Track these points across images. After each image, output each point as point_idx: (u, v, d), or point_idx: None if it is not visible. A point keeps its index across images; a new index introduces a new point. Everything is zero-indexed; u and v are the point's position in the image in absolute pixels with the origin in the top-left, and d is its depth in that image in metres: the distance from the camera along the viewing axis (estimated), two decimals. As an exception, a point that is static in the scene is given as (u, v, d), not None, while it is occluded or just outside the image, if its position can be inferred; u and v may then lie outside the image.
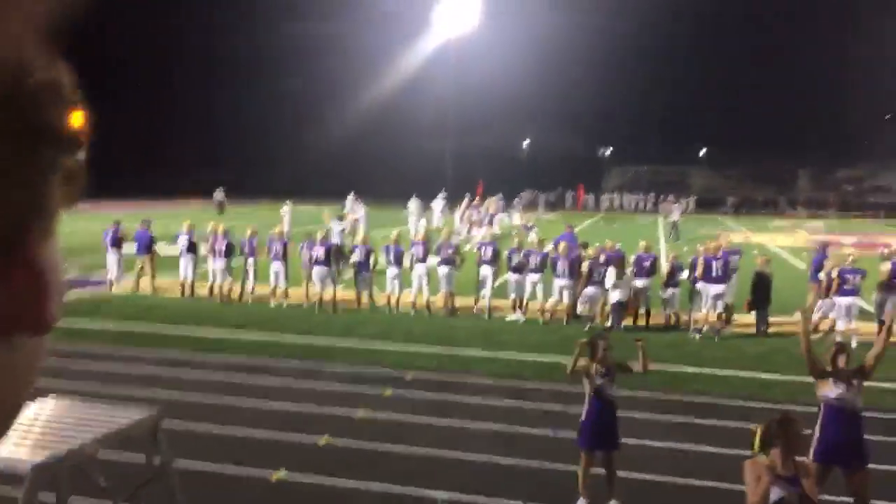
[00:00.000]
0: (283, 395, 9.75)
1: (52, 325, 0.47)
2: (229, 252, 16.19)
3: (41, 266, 0.46)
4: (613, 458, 6.62)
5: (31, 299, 0.46)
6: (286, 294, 15.86)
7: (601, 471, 6.67)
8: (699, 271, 13.78)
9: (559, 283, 14.46)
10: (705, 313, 13.83)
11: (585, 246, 15.52)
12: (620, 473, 6.73)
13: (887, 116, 71.76)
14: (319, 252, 15.43)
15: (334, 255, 15.93)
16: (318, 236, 15.82)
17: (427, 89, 62.26)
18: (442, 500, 6.74)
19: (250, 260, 16.12)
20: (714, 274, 13.69)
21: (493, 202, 33.24)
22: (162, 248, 18.12)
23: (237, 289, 16.34)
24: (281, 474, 7.26)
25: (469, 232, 28.27)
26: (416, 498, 6.87)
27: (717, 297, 13.69)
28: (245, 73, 63.63)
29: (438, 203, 36.48)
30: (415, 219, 33.33)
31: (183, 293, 16.61)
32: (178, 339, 12.66)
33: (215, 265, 16.22)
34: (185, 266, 16.56)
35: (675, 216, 34.08)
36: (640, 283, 14.32)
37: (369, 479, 7.19)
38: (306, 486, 7.06)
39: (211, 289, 16.39)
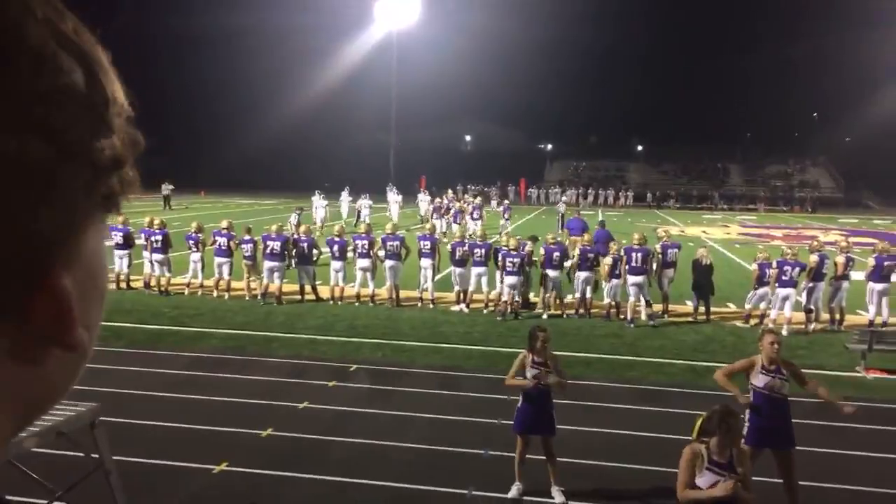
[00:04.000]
0: (226, 389, 9.62)
1: (78, 346, 0.47)
2: (166, 245, 15.91)
3: (62, 293, 0.45)
4: (551, 443, 6.76)
5: (53, 324, 0.45)
6: (229, 287, 15.70)
7: (542, 457, 6.81)
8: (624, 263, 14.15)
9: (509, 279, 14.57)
10: (633, 302, 14.17)
11: (535, 240, 15.75)
12: (562, 459, 6.88)
13: (814, 115, 74.78)
14: (275, 245, 15.27)
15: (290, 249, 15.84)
16: (273, 228, 15.65)
17: (369, 83, 61.89)
18: (471, 493, 6.75)
19: (196, 255, 15.87)
20: (633, 264, 14.05)
21: (466, 198, 33.47)
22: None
23: (179, 283, 16.03)
24: (223, 466, 7.18)
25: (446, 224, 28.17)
26: (357, 487, 6.88)
27: (637, 286, 14.06)
28: (182, 62, 61.98)
29: (393, 196, 36.69)
30: (367, 212, 33.41)
31: (118, 286, 16.20)
32: (115, 334, 12.32)
33: (152, 258, 15.92)
34: (119, 260, 16.18)
35: (562, 208, 35.21)
36: (582, 274, 14.60)
37: (313, 470, 7.17)
38: (249, 477, 7.00)
39: (147, 282, 16.07)
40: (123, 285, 16.27)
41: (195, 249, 15.92)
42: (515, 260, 14.35)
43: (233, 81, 63.53)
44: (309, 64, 59.85)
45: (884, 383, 10.68)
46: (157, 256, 15.88)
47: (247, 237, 15.64)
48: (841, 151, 69.96)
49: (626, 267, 14.05)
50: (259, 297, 15.39)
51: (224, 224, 16.21)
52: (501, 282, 14.63)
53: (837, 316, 14.15)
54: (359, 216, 31.71)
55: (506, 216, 29.60)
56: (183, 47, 61.26)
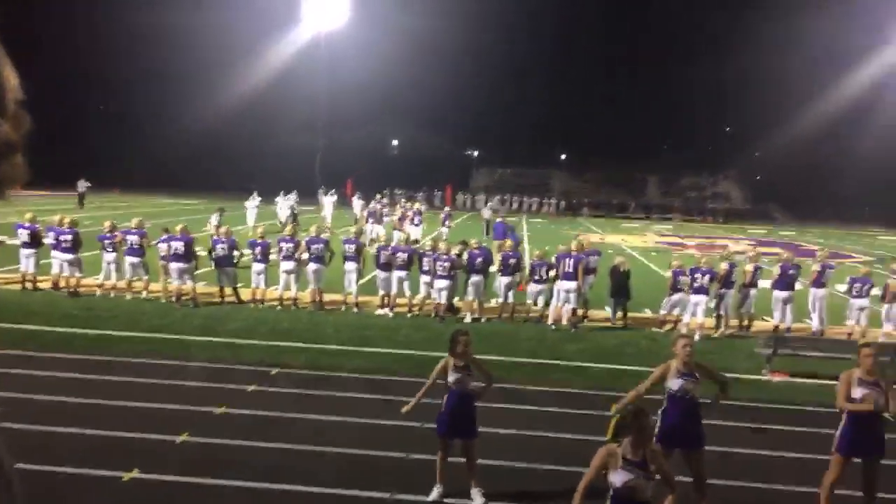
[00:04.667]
0: (139, 393, 9.28)
1: None
2: (76, 245, 15.28)
3: None
4: (472, 446, 6.82)
5: None
6: (146, 287, 15.19)
7: (462, 459, 6.85)
8: (559, 269, 14.45)
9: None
10: (559, 307, 14.49)
11: (465, 244, 15.87)
12: (482, 461, 6.94)
13: (727, 129, 78.18)
14: (179, 246, 14.81)
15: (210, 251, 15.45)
16: (178, 228, 15.18)
17: (296, 84, 60.96)
18: (393, 497, 6.68)
19: (109, 255, 15.28)
20: (566, 270, 14.39)
21: (407, 204, 33.22)
22: (8, 240, 16.85)
23: (90, 284, 15.39)
24: (133, 473, 6.92)
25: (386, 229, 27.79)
26: (277, 493, 6.76)
27: (567, 291, 14.40)
28: (103, 56, 59.44)
29: (329, 199, 36.82)
30: (285, 213, 33.06)
31: (24, 287, 15.42)
32: (21, 336, 11.70)
33: (61, 258, 15.24)
34: (26, 259, 15.43)
35: (487, 214, 35.96)
36: (504, 279, 14.80)
37: (229, 476, 7.00)
38: (161, 485, 6.77)
39: (56, 283, 15.37)
40: (30, 286, 15.50)
41: (109, 250, 15.33)
42: (446, 264, 14.45)
43: (155, 78, 61.36)
44: (233, 63, 58.41)
45: (787, 386, 11.24)
46: (67, 256, 15.22)
47: (164, 236, 15.16)
48: (751, 166, 73.41)
49: (558, 272, 14.37)
50: (174, 300, 14.92)
51: (134, 222, 15.65)
52: (430, 286, 14.68)
53: (746, 322, 14.81)
54: (295, 218, 31.30)
55: (447, 223, 29.61)
56: (103, 41, 58.71)
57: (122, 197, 50.57)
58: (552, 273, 14.62)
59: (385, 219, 29.94)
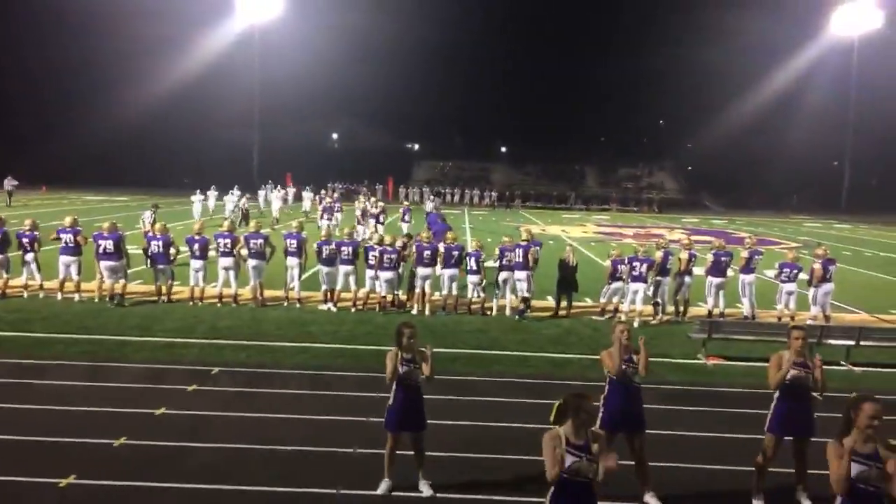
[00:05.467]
0: (73, 397, 8.98)
1: None
2: (4, 245, 14.66)
3: None
4: (420, 438, 6.84)
5: None
6: (78, 288, 14.66)
7: (409, 452, 6.86)
8: (507, 260, 14.68)
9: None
10: (513, 298, 14.73)
11: (409, 238, 15.83)
12: (429, 452, 6.96)
13: (661, 122, 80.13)
14: (108, 244, 14.35)
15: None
16: (105, 226, 14.71)
17: (231, 76, 59.66)
18: (340, 492, 6.61)
19: (29, 255, 14.68)
20: (518, 260, 14.66)
21: (372, 200, 32.84)
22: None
23: (16, 285, 14.77)
24: (70, 479, 6.70)
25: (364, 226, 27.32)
26: (222, 493, 6.64)
27: (519, 281, 14.69)
28: (26, 44, 56.92)
29: (276, 194, 37.05)
30: (231, 207, 32.60)
31: (-55, 290, 14.72)
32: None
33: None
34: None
35: (429, 207, 36.47)
36: (448, 272, 14.86)
37: (170, 478, 6.84)
38: (101, 490, 6.58)
39: (-19, 285, 14.71)
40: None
41: (29, 249, 14.73)
42: (392, 256, 14.46)
43: (81, 67, 59.00)
44: (164, 53, 56.66)
45: (722, 369, 11.62)
46: (-5, 257, 14.59)
47: (97, 233, 14.68)
48: (684, 157, 75.52)
49: (507, 263, 14.65)
50: (108, 300, 14.46)
51: (68, 221, 15.10)
52: (376, 278, 14.64)
53: (682, 308, 15.24)
54: (246, 215, 30.80)
55: (406, 218, 29.40)
56: (26, 28, 56.27)
57: (48, 194, 48.71)
58: (490, 264, 14.83)
59: (337, 213, 29.57)
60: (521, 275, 14.68)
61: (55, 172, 55.27)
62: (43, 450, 7.43)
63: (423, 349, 6.81)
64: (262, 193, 42.49)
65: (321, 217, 28.24)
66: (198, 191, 34.47)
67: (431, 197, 43.37)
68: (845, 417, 4.81)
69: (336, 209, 29.80)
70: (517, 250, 14.77)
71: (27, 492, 6.50)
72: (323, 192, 39.84)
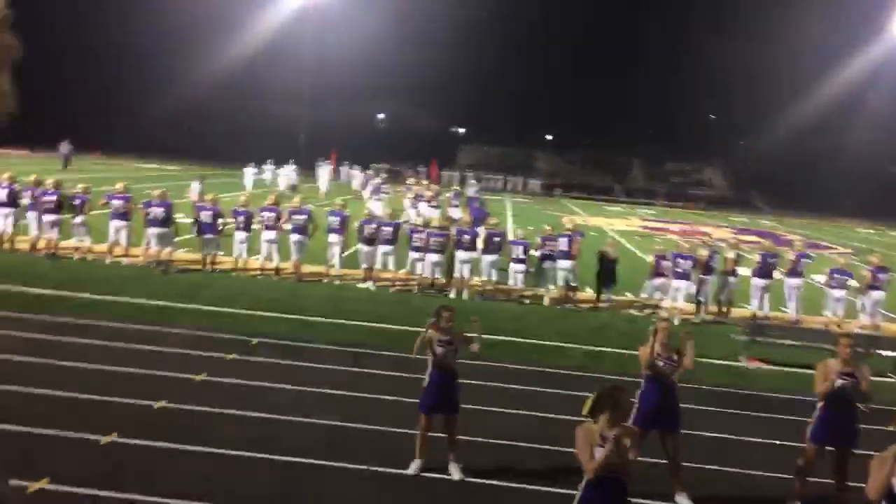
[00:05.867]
0: (117, 358, 9.21)
1: None
2: (58, 207, 15.08)
3: None
4: (454, 421, 6.86)
5: None
6: (127, 252, 15.03)
7: (441, 435, 6.88)
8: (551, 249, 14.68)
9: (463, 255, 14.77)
10: (557, 287, 14.71)
11: (451, 220, 15.88)
12: (462, 437, 6.98)
13: (712, 117, 78.44)
14: (158, 211, 14.66)
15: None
16: (156, 194, 15.00)
17: (283, 54, 60.14)
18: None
19: (79, 217, 15.09)
20: (562, 249, 14.73)
21: (424, 183, 32.65)
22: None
23: (67, 246, 15.21)
24: (112, 437, 6.89)
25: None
26: (254, 461, 6.76)
27: (564, 270, 14.73)
28: (91, 22, 58.20)
29: (323, 170, 37.26)
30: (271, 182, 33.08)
31: (1, 247, 15.22)
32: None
33: (42, 220, 15.04)
34: (4, 219, 15.21)
35: (471, 192, 35.74)
36: (488, 258, 14.82)
37: (207, 443, 6.98)
38: (139, 449, 6.75)
39: (34, 244, 15.16)
40: (7, 246, 15.29)
41: (79, 212, 15.11)
42: (440, 239, 14.51)
43: (140, 42, 60.25)
44: (220, 30, 57.43)
45: (762, 373, 11.40)
46: (49, 218, 15.03)
47: (147, 201, 15.01)
48: (736, 154, 73.80)
49: (548, 252, 14.72)
50: (155, 265, 14.79)
51: (119, 186, 15.44)
52: (421, 260, 14.69)
53: (724, 308, 14.96)
54: (294, 190, 31.18)
55: (454, 203, 29.16)
56: (91, 7, 57.46)
57: (103, 160, 49.88)
58: (532, 253, 14.76)
59: (384, 194, 29.35)
60: (565, 264, 14.63)
61: (110, 142, 56.56)
62: (86, 407, 7.65)
63: (468, 332, 6.87)
64: (313, 170, 42.86)
65: (370, 197, 28.05)
66: (252, 163, 35.18)
67: (473, 182, 43.10)
68: None
69: (384, 190, 29.68)
70: (561, 239, 14.68)
71: (70, 446, 6.70)
72: (370, 171, 40.06)
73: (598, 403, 4.69)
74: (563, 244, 14.65)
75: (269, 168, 37.16)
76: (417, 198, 28.28)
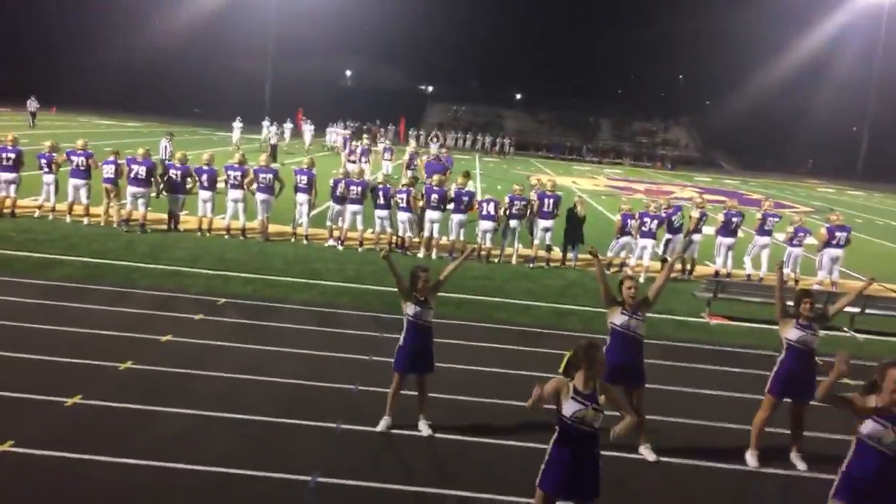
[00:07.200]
0: (80, 319, 9.07)
1: None
2: (18, 164, 14.66)
3: None
4: (426, 380, 6.91)
5: None
6: (87, 211, 14.70)
7: (412, 393, 6.94)
8: (535, 208, 14.88)
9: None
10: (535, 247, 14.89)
11: (416, 179, 15.80)
12: (431, 394, 7.04)
13: (680, 77, 78.63)
14: (140, 170, 14.36)
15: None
16: (140, 152, 14.65)
17: (246, 9, 58.56)
18: (340, 427, 6.72)
19: (49, 176, 14.71)
20: (544, 209, 14.86)
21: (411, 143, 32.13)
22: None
23: (28, 205, 14.82)
24: (76, 399, 6.81)
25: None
26: (224, 420, 6.75)
27: (546, 230, 14.90)
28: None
29: (307, 128, 37.97)
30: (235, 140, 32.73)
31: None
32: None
33: (1, 177, 14.63)
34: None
35: (434, 150, 35.65)
36: (456, 217, 14.81)
37: (174, 404, 6.95)
38: (105, 411, 6.69)
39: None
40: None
41: (48, 170, 14.75)
42: (404, 196, 14.58)
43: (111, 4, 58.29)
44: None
45: (724, 329, 11.66)
46: (8, 175, 14.61)
47: (110, 158, 14.65)
48: (702, 115, 74.29)
49: (516, 212, 14.81)
50: (120, 224, 14.52)
51: (80, 143, 15.04)
52: (387, 219, 14.70)
53: (689, 266, 15.20)
54: (274, 150, 30.64)
55: (412, 164, 28.94)
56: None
57: (58, 116, 48.41)
58: (502, 211, 14.79)
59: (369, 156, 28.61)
60: (548, 223, 14.77)
61: (66, 96, 54.88)
62: (50, 369, 7.54)
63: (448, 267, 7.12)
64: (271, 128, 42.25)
65: (352, 159, 26.99)
66: (238, 118, 36.01)
67: (435, 140, 42.81)
68: (871, 380, 4.77)
69: (368, 152, 28.63)
70: (547, 200, 14.77)
71: (34, 409, 6.62)
72: (347, 131, 40.27)
73: (573, 362, 4.74)
74: (548, 204, 14.78)
75: (265, 125, 37.24)
76: (387, 151, 28.61)
